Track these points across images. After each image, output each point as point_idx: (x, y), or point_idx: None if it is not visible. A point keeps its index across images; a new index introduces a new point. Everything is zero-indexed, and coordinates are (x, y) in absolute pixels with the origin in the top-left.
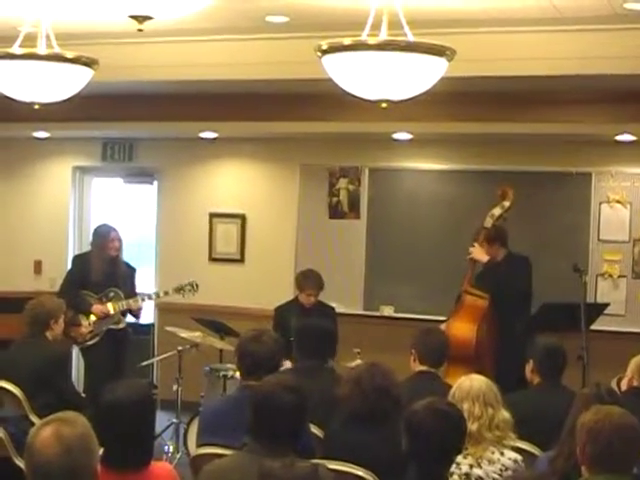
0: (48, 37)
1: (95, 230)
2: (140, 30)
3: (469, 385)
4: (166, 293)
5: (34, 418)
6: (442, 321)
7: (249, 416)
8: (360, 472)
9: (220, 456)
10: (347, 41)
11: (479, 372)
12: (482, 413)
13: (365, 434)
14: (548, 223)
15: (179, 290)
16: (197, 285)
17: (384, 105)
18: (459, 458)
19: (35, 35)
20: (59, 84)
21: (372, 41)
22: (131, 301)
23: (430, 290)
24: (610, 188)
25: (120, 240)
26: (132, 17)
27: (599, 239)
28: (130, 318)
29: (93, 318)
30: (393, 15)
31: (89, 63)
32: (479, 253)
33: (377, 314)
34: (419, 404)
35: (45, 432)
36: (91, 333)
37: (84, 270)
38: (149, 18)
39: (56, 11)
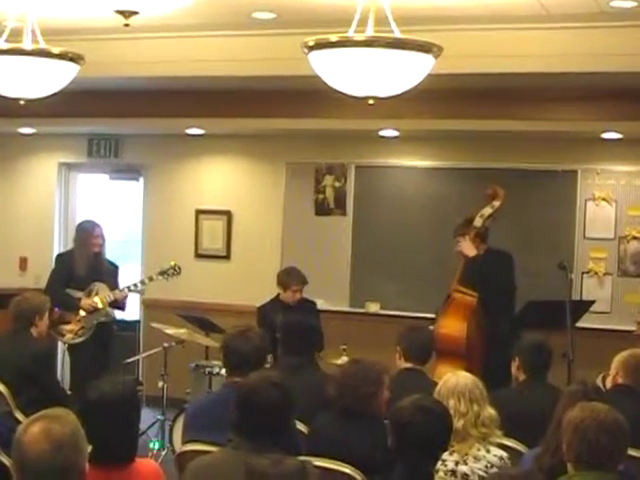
0: (34, 32)
1: (79, 226)
2: (126, 25)
3: (455, 382)
4: (151, 279)
5: (19, 415)
6: (428, 318)
7: (234, 412)
8: (347, 469)
9: (205, 453)
10: (334, 38)
11: (468, 369)
12: (468, 410)
13: (351, 431)
14: (534, 220)
15: (163, 273)
16: (180, 268)
17: (371, 102)
18: (445, 455)
19: (21, 30)
20: (45, 80)
21: (359, 38)
22: (116, 291)
23: (416, 287)
24: (596, 186)
25: (103, 237)
26: (118, 12)
27: (585, 237)
28: (117, 314)
29: (82, 313)
30: (380, 11)
31: (75, 59)
32: (468, 247)
33: (363, 311)
34: (405, 401)
35: (34, 429)
36: (82, 329)
37: (68, 268)
38: (135, 13)
39: (42, 6)
